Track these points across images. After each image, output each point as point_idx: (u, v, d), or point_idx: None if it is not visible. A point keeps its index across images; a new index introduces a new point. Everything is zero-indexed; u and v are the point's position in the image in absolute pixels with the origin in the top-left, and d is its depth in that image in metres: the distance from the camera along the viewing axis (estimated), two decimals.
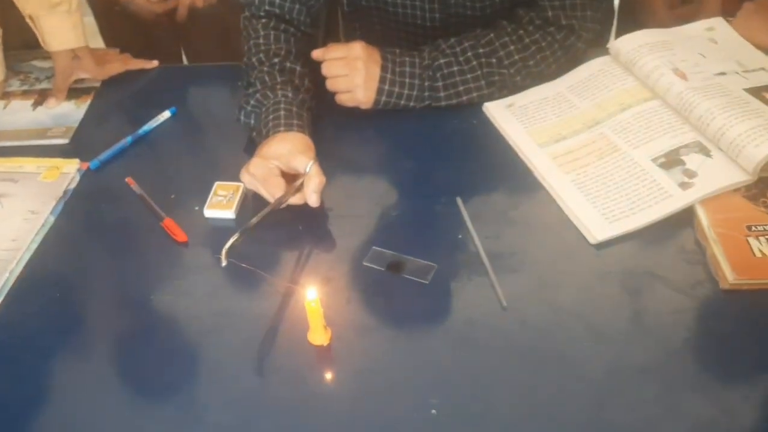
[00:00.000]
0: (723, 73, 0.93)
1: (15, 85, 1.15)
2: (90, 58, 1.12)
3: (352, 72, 0.94)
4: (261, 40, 0.99)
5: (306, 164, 0.83)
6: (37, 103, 1.11)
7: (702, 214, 0.80)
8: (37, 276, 0.82)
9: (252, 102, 0.94)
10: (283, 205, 0.83)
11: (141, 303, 0.78)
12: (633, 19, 1.23)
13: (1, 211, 0.90)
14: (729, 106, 0.86)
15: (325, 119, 0.99)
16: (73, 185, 0.94)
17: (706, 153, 0.85)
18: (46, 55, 1.16)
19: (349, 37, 1.17)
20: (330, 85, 0.97)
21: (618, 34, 1.05)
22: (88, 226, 0.90)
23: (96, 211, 0.91)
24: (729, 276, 0.73)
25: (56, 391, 0.70)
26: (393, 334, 0.73)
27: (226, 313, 0.76)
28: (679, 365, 0.68)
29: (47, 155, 0.99)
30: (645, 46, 0.98)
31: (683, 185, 0.82)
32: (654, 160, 0.86)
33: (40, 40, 1.09)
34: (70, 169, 0.96)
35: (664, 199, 0.82)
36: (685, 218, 0.81)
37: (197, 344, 0.74)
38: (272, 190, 0.83)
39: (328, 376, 0.70)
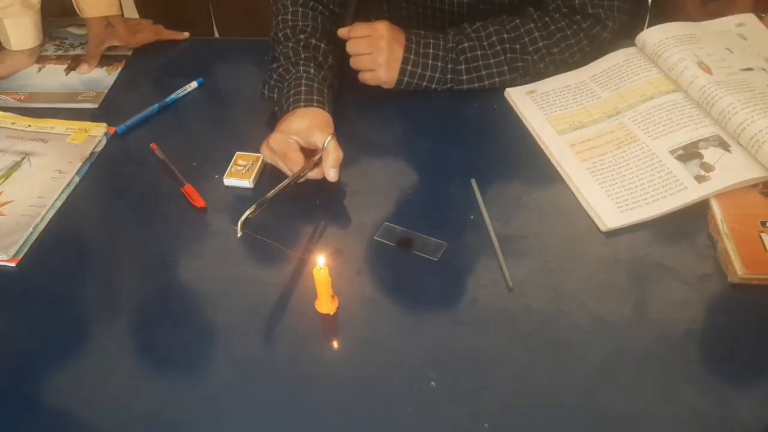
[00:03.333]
0: (749, 69, 0.92)
1: (50, 50, 1.18)
2: (123, 27, 1.14)
3: (376, 51, 0.95)
4: (289, 17, 1.01)
5: (324, 140, 0.84)
6: (70, 68, 1.14)
7: (716, 208, 0.80)
8: (60, 232, 0.85)
9: (275, 76, 0.95)
10: (302, 180, 0.85)
11: (157, 264, 0.81)
12: (664, 14, 1.22)
13: (30, 169, 0.93)
14: (752, 101, 0.85)
15: (347, 97, 1.00)
16: (99, 148, 0.97)
17: (726, 147, 0.84)
18: (82, 23, 1.19)
19: (377, 19, 1.17)
20: (353, 63, 0.98)
21: (650, 27, 1.04)
22: (112, 187, 0.92)
23: (120, 174, 0.94)
24: (739, 270, 0.73)
25: (70, 344, 0.73)
26: (398, 308, 0.75)
27: (238, 279, 0.78)
28: (679, 356, 0.68)
29: (77, 118, 1.02)
30: (671, 38, 0.97)
31: (699, 178, 0.82)
32: (672, 151, 0.85)
33: (75, 6, 1.12)
34: (98, 132, 0.99)
35: (679, 191, 0.82)
36: (699, 211, 0.81)
37: (208, 306, 0.76)
38: (291, 165, 0.85)
39: (333, 343, 0.72)
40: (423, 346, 0.70)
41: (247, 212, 0.77)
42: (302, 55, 0.95)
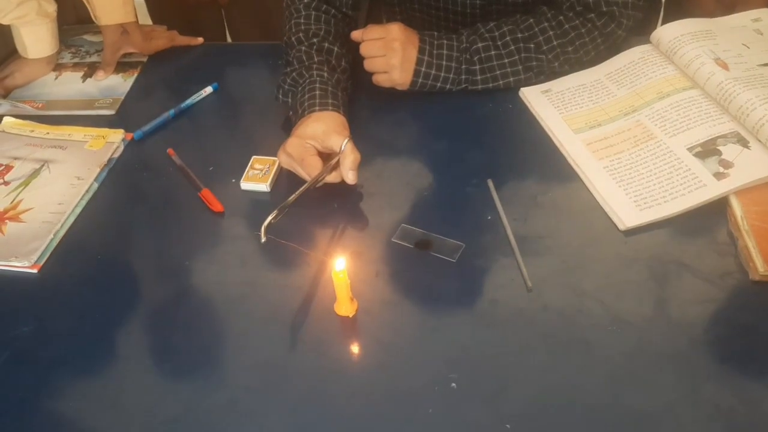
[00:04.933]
0: (766, 65, 0.91)
1: (66, 57, 1.20)
2: (138, 34, 1.15)
3: (390, 53, 0.95)
4: (302, 20, 1.01)
5: (341, 142, 0.84)
6: (87, 76, 1.15)
7: (736, 206, 0.79)
8: (80, 238, 0.86)
9: (289, 81, 0.96)
10: (320, 184, 0.85)
11: (176, 268, 0.81)
12: (680, 9, 1.21)
13: (49, 176, 0.94)
14: None
15: (361, 100, 1.00)
16: (117, 154, 0.98)
17: (744, 144, 0.84)
18: (97, 30, 1.20)
19: (390, 21, 1.18)
20: (367, 65, 0.98)
21: (665, 24, 1.04)
22: (130, 193, 0.93)
23: (138, 179, 0.95)
24: (760, 267, 0.72)
25: (92, 349, 0.73)
26: (418, 310, 0.75)
27: (256, 282, 0.79)
28: (701, 353, 0.68)
29: (94, 125, 1.03)
30: (687, 35, 0.96)
31: (718, 175, 0.81)
32: (690, 149, 0.85)
33: (91, 14, 1.13)
34: (115, 138, 1.00)
35: (698, 188, 0.81)
36: (718, 209, 0.81)
37: (227, 310, 0.76)
38: (309, 170, 0.85)
39: (352, 346, 0.72)
40: (443, 347, 0.70)
41: (270, 217, 0.77)
42: (315, 59, 0.96)
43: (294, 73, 0.95)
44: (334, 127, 0.87)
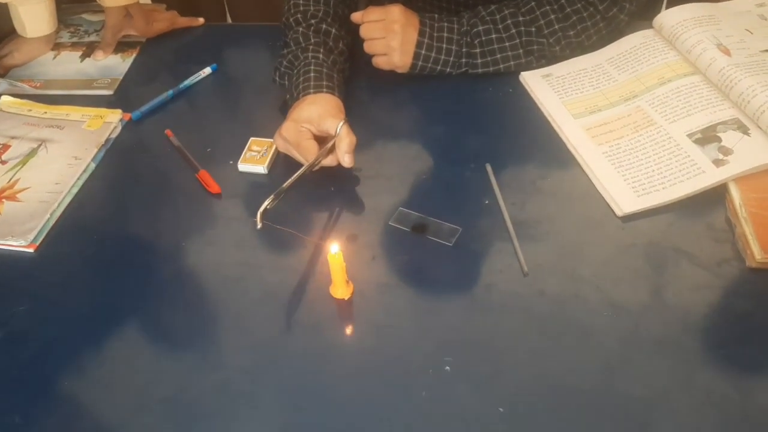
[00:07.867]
0: None
1: (65, 37, 1.19)
2: (140, 17, 1.14)
3: (389, 35, 0.94)
4: (301, 1, 1.00)
5: (336, 126, 0.84)
6: (85, 55, 1.14)
7: (735, 193, 0.79)
8: (77, 218, 0.86)
9: (285, 63, 0.95)
10: (317, 168, 0.84)
11: (173, 249, 0.81)
12: None
13: (46, 156, 0.94)
14: None
15: (360, 83, 1.00)
16: (114, 134, 0.98)
17: (745, 131, 0.83)
18: (96, 9, 1.19)
19: (391, 3, 1.16)
20: (367, 47, 0.97)
21: (669, 8, 1.02)
22: (127, 173, 0.93)
23: (135, 160, 0.94)
24: (757, 254, 0.72)
25: (88, 329, 0.73)
26: (413, 293, 0.75)
27: (253, 264, 0.79)
28: (696, 340, 0.68)
29: (92, 105, 1.02)
30: (689, 20, 0.95)
31: (717, 162, 0.81)
32: (690, 135, 0.84)
33: None
34: (113, 119, 0.99)
35: (697, 175, 0.81)
36: (716, 196, 0.80)
37: (223, 291, 0.76)
38: (305, 154, 0.84)
39: (347, 328, 0.72)
40: (437, 330, 0.70)
41: (266, 203, 0.76)
42: (312, 40, 0.95)
43: (290, 55, 0.94)
44: (329, 110, 0.86)
